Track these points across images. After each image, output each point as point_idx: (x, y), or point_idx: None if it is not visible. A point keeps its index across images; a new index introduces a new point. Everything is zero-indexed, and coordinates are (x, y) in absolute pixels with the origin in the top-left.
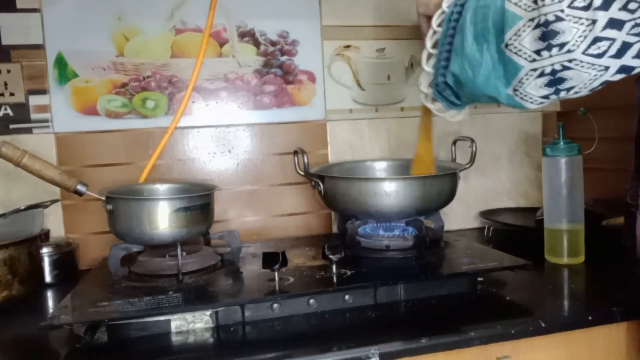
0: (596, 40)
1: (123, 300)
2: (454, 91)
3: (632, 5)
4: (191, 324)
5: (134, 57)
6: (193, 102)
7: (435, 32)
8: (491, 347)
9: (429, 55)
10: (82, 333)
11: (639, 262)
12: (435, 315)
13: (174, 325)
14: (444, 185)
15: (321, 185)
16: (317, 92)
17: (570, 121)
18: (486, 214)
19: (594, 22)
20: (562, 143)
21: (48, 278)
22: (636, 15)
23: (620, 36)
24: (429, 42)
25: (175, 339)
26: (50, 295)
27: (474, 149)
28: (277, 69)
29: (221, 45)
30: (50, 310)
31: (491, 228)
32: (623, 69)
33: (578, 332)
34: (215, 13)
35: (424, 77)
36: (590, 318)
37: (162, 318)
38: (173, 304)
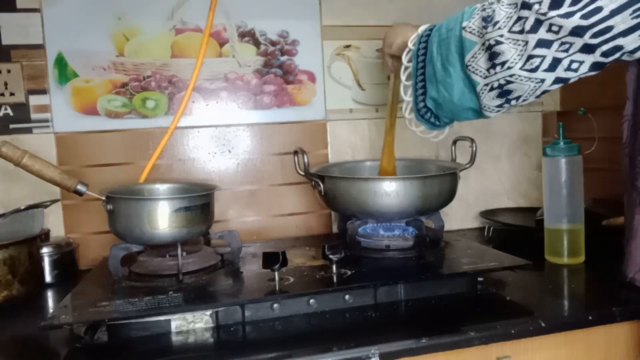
0: (530, 57)
1: (123, 300)
2: (433, 113)
3: (554, 28)
4: (191, 324)
5: (134, 57)
6: (193, 102)
7: (406, 68)
8: (491, 347)
9: (406, 87)
10: (82, 333)
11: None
12: (435, 315)
13: (174, 325)
14: (444, 185)
15: (321, 185)
16: (317, 92)
17: (570, 121)
18: (486, 214)
19: (526, 42)
20: (562, 143)
21: (48, 278)
22: (560, 35)
23: (550, 53)
24: (403, 77)
25: (175, 339)
26: (50, 295)
27: (474, 149)
28: (277, 68)
29: (221, 45)
30: (50, 310)
31: (491, 228)
32: (558, 80)
33: (578, 332)
34: (215, 13)
35: (406, 105)
36: (590, 318)
37: (162, 318)
38: (173, 304)
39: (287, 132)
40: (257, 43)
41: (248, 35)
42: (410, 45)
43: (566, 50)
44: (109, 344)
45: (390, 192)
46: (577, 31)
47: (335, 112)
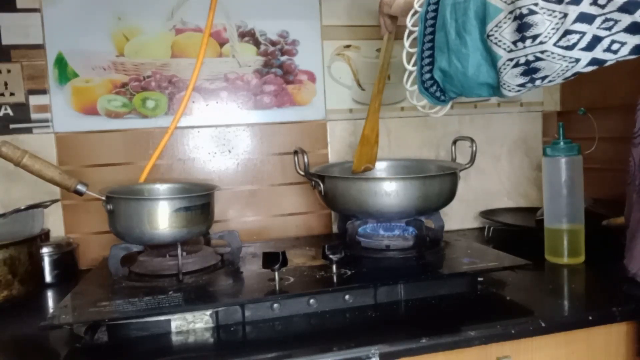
0: (566, 33)
1: (123, 300)
2: (440, 87)
3: (601, 1)
4: (191, 324)
5: (134, 57)
6: (193, 102)
7: (411, 32)
8: (491, 347)
9: (409, 55)
10: (82, 333)
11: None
12: (435, 315)
13: (174, 325)
14: (444, 185)
15: (321, 185)
16: (317, 92)
17: (570, 121)
18: (486, 214)
19: (565, 15)
20: (562, 143)
21: (48, 278)
22: (606, 10)
23: (591, 30)
24: (406, 42)
25: (175, 338)
26: (50, 295)
27: (474, 149)
28: (277, 68)
29: (221, 45)
30: (50, 310)
31: (491, 228)
32: (594, 62)
33: (578, 332)
34: (215, 13)
35: (408, 76)
36: (590, 318)
37: (162, 318)
38: (173, 304)
39: (287, 132)
40: (257, 43)
41: (248, 35)
42: (416, 6)
43: (609, 29)
44: (109, 344)
45: (390, 192)
46: (628, 7)
47: (335, 112)
